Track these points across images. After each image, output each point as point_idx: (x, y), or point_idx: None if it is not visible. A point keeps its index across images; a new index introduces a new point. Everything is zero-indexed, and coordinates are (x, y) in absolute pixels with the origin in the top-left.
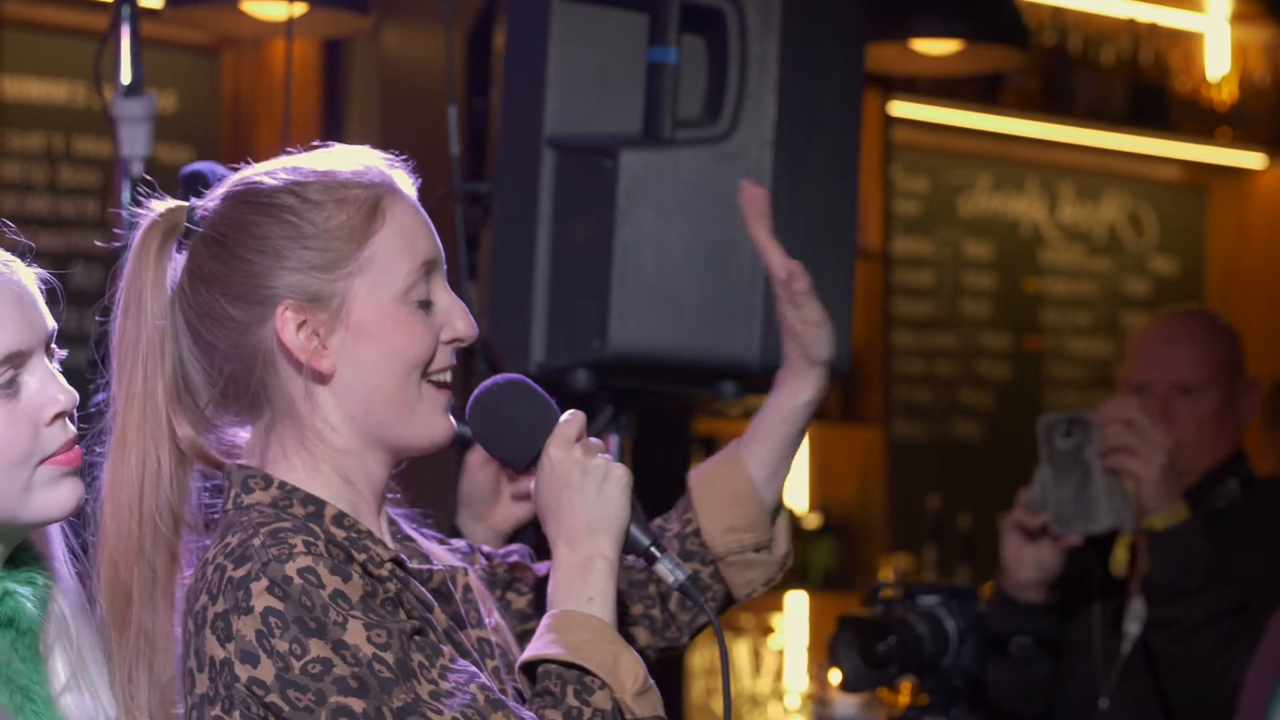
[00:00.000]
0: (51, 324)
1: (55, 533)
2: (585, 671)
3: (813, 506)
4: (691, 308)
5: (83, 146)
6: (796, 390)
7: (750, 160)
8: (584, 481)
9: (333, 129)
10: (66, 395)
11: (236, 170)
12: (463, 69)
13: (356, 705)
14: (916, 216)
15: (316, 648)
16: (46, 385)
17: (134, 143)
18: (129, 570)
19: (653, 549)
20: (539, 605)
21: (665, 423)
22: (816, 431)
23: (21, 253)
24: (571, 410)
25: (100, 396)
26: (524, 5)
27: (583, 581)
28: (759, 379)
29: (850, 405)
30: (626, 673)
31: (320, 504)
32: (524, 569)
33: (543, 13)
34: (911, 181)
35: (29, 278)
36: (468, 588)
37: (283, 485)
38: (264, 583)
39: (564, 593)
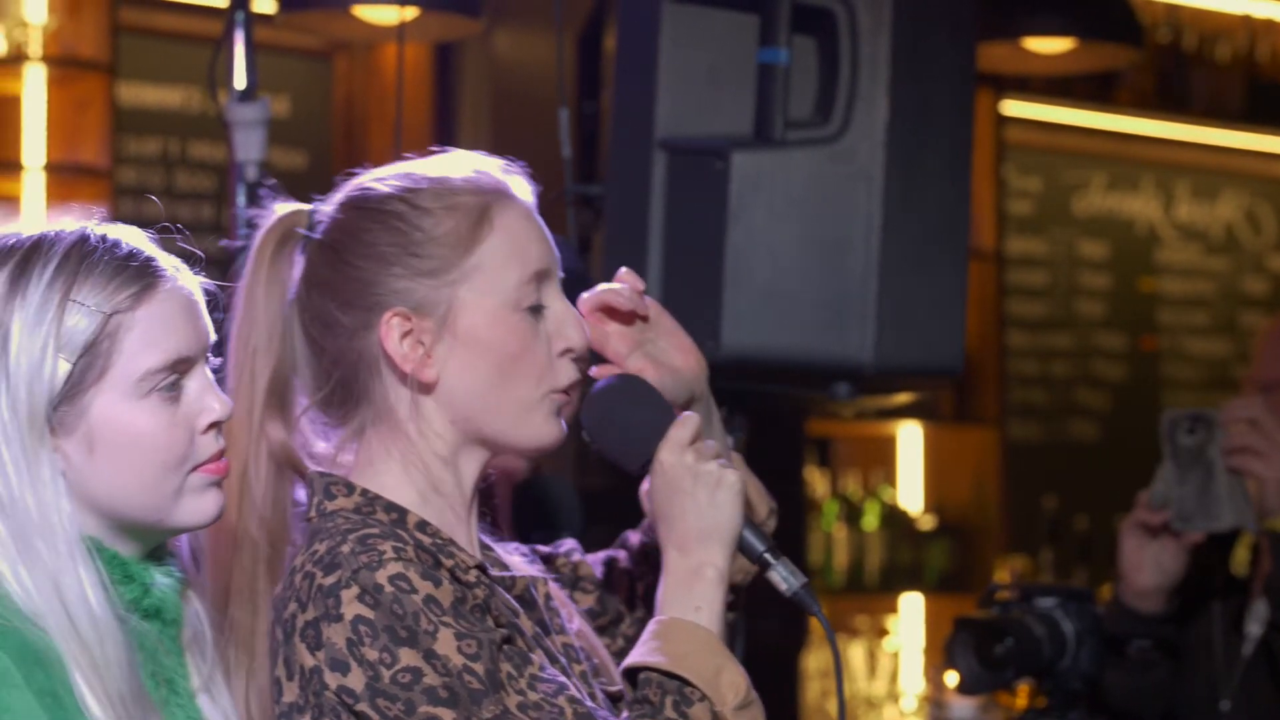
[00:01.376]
0: (213, 333)
1: (184, 535)
2: (686, 683)
3: (927, 508)
4: (804, 308)
5: (198, 151)
6: None
7: (862, 161)
8: (696, 488)
9: (444, 132)
10: (222, 405)
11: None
12: (573, 71)
13: (447, 715)
14: (1030, 216)
15: (407, 657)
16: (205, 394)
17: (248, 147)
18: (227, 564)
19: (766, 555)
20: (604, 603)
21: (779, 424)
22: (930, 432)
23: (191, 260)
24: (686, 413)
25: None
26: (634, 7)
27: (690, 590)
28: (873, 380)
29: (965, 406)
30: (728, 685)
31: (403, 511)
32: (586, 567)
33: (653, 14)
34: (1025, 181)
35: (196, 286)
36: (549, 595)
37: (364, 492)
38: (354, 590)
39: (672, 600)
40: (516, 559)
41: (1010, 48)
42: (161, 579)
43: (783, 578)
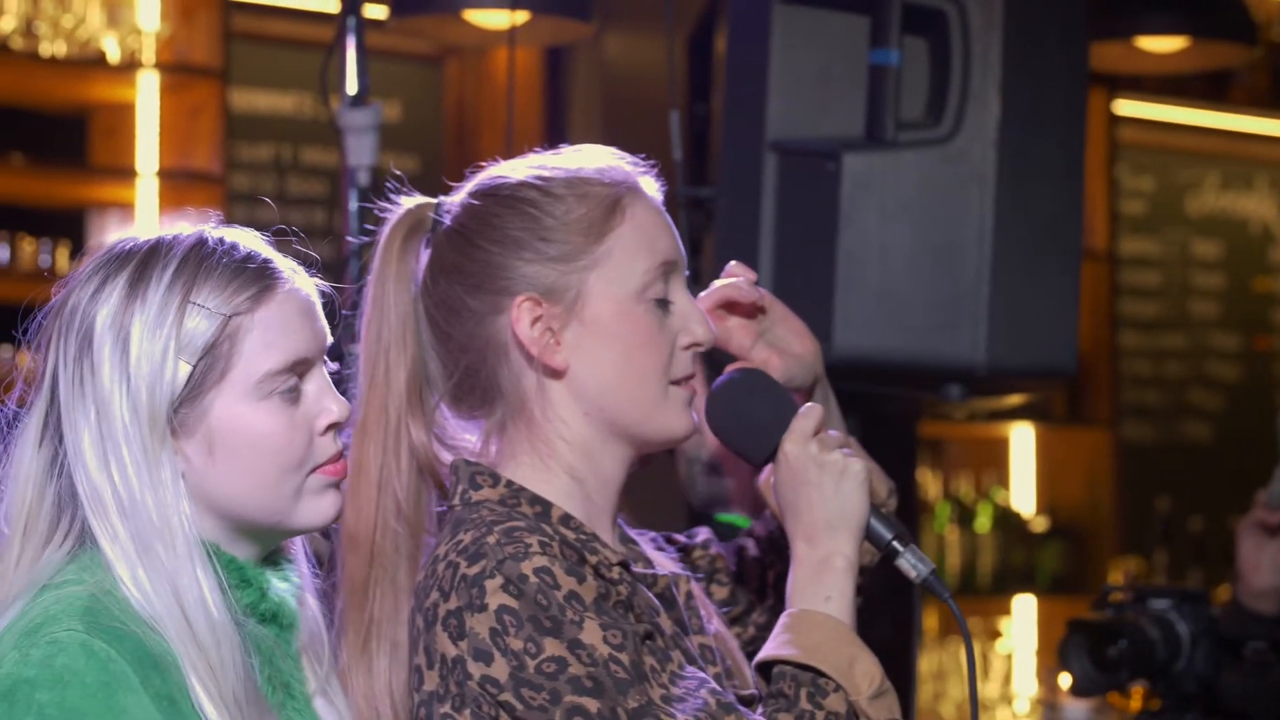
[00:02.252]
0: (330, 335)
1: (299, 537)
2: (819, 674)
3: (1040, 509)
4: (916, 310)
5: (309, 157)
6: None
7: (974, 162)
8: (822, 478)
9: (555, 136)
10: (340, 406)
11: None
12: (684, 74)
13: (591, 705)
14: (1143, 216)
15: (552, 646)
16: (323, 395)
17: (360, 152)
18: (365, 560)
19: (894, 543)
20: (736, 594)
21: (890, 426)
22: (1043, 434)
23: (308, 264)
24: (809, 404)
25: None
26: (745, 9)
27: (820, 580)
28: (985, 381)
29: (1077, 407)
30: (862, 675)
31: (547, 505)
32: (722, 559)
33: (764, 16)
34: (1138, 181)
35: (312, 288)
36: (690, 594)
37: (510, 484)
38: (499, 580)
39: (801, 591)
40: (658, 554)
41: (1123, 47)
42: (278, 583)
43: (911, 564)
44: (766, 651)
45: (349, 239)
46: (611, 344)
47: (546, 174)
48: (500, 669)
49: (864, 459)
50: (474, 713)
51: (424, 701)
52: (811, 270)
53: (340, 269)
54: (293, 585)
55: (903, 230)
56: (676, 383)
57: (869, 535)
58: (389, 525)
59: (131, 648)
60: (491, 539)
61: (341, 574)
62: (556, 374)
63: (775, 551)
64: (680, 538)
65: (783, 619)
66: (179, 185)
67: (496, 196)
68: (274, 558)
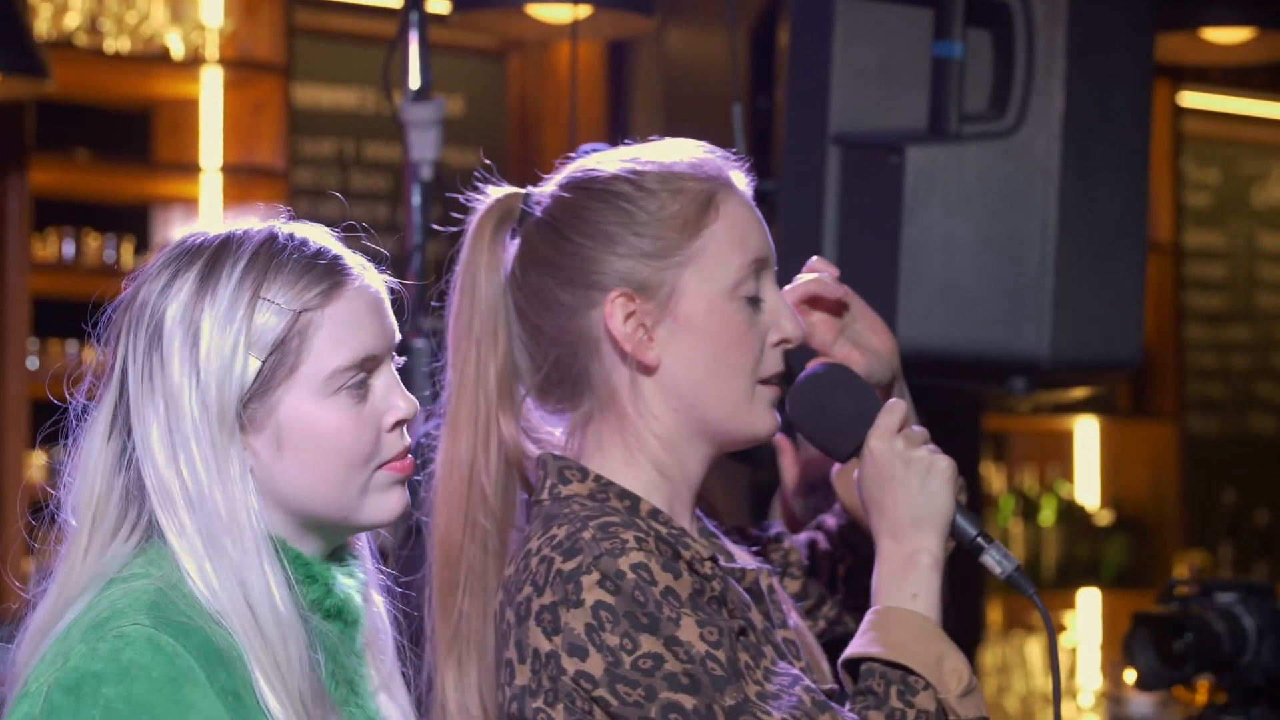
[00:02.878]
0: (398, 332)
1: (365, 533)
2: (909, 671)
3: (1104, 503)
4: (980, 303)
5: (372, 152)
6: None
7: (1038, 155)
8: (907, 474)
9: (618, 129)
10: (407, 403)
11: None
12: (746, 67)
13: (688, 702)
14: (1208, 208)
15: (648, 643)
16: (391, 392)
17: (423, 147)
18: (457, 553)
19: (979, 539)
20: (808, 587)
21: (954, 419)
22: (1108, 427)
23: (375, 259)
24: (893, 400)
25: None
26: (808, 2)
27: (905, 577)
28: (1050, 374)
29: (1142, 400)
30: (950, 673)
31: (635, 499)
32: (796, 553)
33: (826, 9)
34: (1203, 173)
35: (381, 284)
36: (771, 588)
37: (598, 478)
38: (595, 576)
39: (887, 589)
40: (737, 548)
41: (1188, 38)
42: (343, 579)
43: (996, 561)
44: (853, 649)
45: (412, 233)
46: (704, 341)
47: (639, 168)
48: (595, 665)
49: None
50: (567, 708)
51: (515, 696)
52: (875, 263)
53: (404, 264)
54: (358, 581)
55: (966, 223)
56: (765, 381)
57: (954, 531)
58: (478, 521)
59: (198, 642)
60: (587, 534)
61: (430, 572)
62: (649, 370)
63: (847, 545)
64: (755, 531)
65: (869, 616)
66: (242, 180)
67: (589, 190)
68: (339, 553)
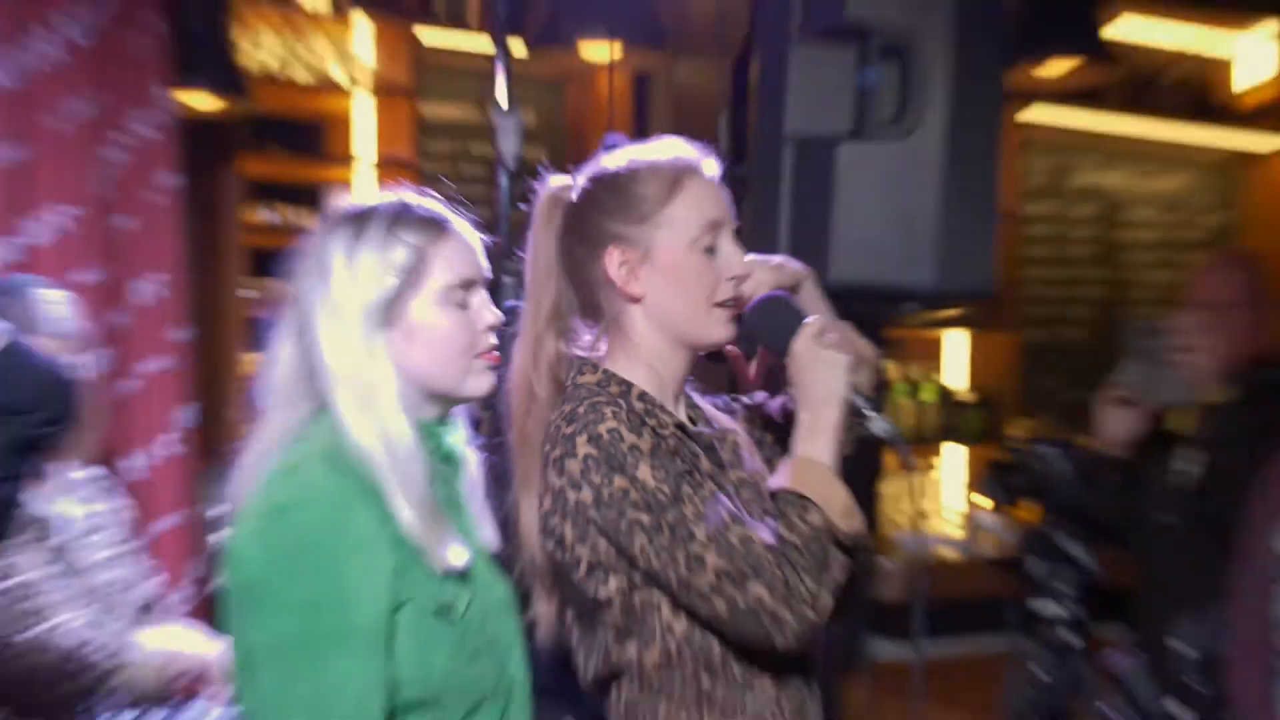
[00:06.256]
0: (488, 268)
1: (463, 408)
2: (806, 498)
3: (968, 387)
4: (886, 252)
5: (475, 149)
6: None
7: (926, 150)
8: (815, 366)
9: (640, 133)
10: (494, 315)
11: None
12: (728, 89)
13: (645, 519)
14: (1039, 188)
15: (618, 481)
16: (483, 305)
17: (508, 146)
18: (524, 422)
19: (865, 410)
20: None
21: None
22: (970, 335)
23: (475, 222)
24: (813, 316)
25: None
26: (772, 46)
27: (814, 437)
28: (931, 300)
29: (993, 317)
30: (837, 501)
31: (629, 386)
32: (766, 409)
33: (785, 50)
34: (1036, 164)
35: (475, 236)
36: (736, 443)
37: (605, 372)
38: (584, 437)
39: (800, 444)
40: (720, 414)
41: (1026, 72)
42: (449, 437)
43: (878, 425)
44: (774, 483)
45: (501, 205)
46: (672, 279)
47: (630, 163)
48: (587, 495)
49: (853, 353)
50: (573, 522)
51: (545, 514)
52: (816, 224)
53: (495, 227)
54: (458, 440)
55: (877, 197)
56: (720, 305)
57: (851, 408)
58: (539, 398)
59: (355, 480)
60: (581, 409)
61: (510, 434)
62: (636, 300)
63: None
64: (746, 399)
65: (787, 463)
66: (385, 169)
67: (600, 180)
68: (446, 419)
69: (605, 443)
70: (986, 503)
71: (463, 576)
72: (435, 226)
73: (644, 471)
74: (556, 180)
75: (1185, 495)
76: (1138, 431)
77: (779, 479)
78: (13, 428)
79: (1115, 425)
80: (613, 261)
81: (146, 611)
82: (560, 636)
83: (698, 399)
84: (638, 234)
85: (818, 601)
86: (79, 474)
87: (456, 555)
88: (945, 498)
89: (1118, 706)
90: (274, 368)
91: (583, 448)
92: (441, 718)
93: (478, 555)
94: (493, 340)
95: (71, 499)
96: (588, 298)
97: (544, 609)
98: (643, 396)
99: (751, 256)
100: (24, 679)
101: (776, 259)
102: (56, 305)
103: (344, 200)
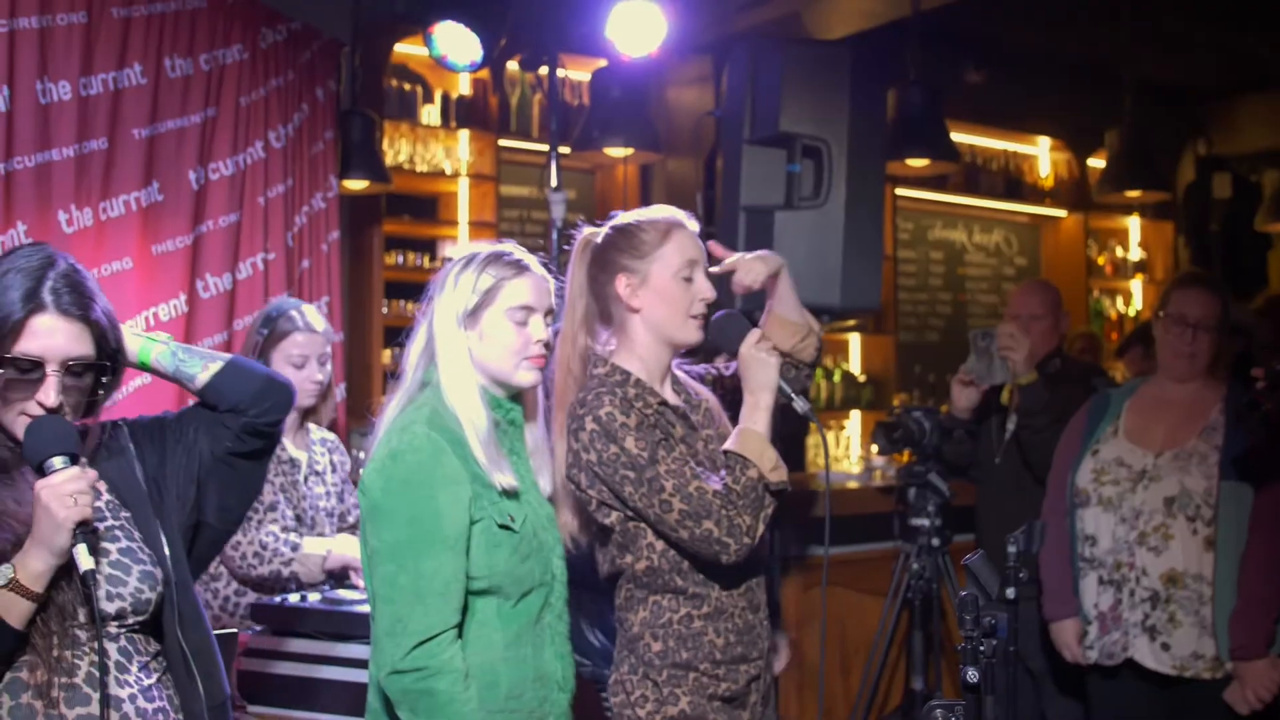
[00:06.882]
0: (552, 300)
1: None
2: (744, 457)
3: (862, 371)
4: (809, 281)
5: (535, 215)
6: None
7: (833, 216)
8: (753, 365)
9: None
10: (543, 333)
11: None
12: (703, 176)
13: (631, 474)
14: (908, 239)
15: (614, 448)
16: (538, 325)
17: (557, 214)
18: (563, 389)
19: (791, 394)
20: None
21: None
22: (864, 338)
23: (540, 260)
24: (755, 329)
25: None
26: (731, 148)
27: (755, 414)
28: (838, 313)
29: (880, 325)
30: (767, 460)
31: (628, 374)
32: (735, 380)
33: (739, 150)
34: (906, 224)
35: (543, 272)
36: (708, 408)
37: (613, 365)
38: (590, 417)
39: (744, 418)
40: (699, 386)
41: (899, 163)
42: (510, 408)
43: (799, 407)
44: (725, 446)
45: (553, 250)
46: (660, 299)
47: (635, 221)
48: (593, 456)
49: (779, 356)
50: (586, 474)
51: (569, 467)
52: None
53: (550, 264)
54: (519, 411)
55: (804, 246)
56: (694, 317)
57: (781, 391)
58: (574, 376)
59: (449, 434)
60: (589, 396)
61: (553, 397)
62: (636, 312)
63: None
64: (717, 368)
65: (734, 431)
66: (476, 229)
67: (617, 230)
68: (513, 397)
69: (604, 421)
70: (876, 450)
71: (517, 500)
72: (515, 266)
73: (630, 442)
74: (588, 230)
75: (1009, 444)
76: (977, 402)
77: (729, 443)
78: (242, 419)
79: (962, 398)
80: (622, 284)
81: (343, 523)
82: (578, 544)
83: (682, 377)
84: (640, 266)
85: (753, 531)
86: (316, 434)
87: (508, 481)
88: (849, 447)
89: (968, 589)
90: (409, 351)
91: (590, 424)
92: (504, 600)
93: (531, 485)
94: (540, 350)
95: (304, 451)
96: (605, 309)
97: (567, 519)
98: (636, 383)
99: (747, 255)
100: (240, 563)
101: (761, 252)
102: (312, 315)
103: (452, 251)
